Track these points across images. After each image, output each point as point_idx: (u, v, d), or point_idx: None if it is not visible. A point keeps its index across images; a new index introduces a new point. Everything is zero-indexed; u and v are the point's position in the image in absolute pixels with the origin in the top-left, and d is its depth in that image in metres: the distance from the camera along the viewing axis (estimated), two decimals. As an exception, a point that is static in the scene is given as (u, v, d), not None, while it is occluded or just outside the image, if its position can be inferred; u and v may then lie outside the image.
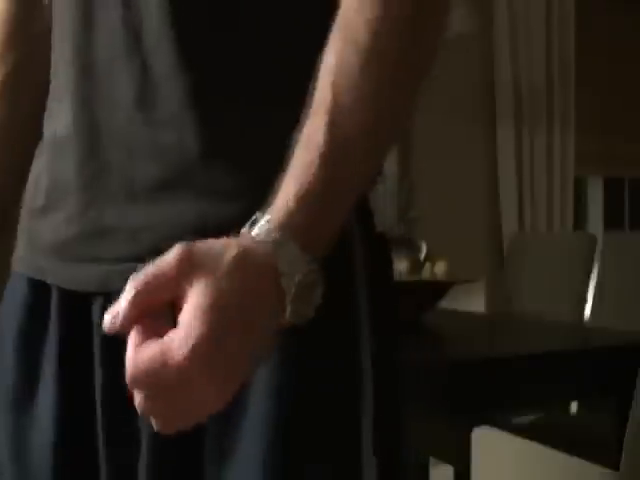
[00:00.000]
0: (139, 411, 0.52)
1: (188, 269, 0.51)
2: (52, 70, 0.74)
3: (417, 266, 1.93)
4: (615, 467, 1.60)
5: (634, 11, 3.87)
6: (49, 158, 0.73)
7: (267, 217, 0.55)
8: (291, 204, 0.55)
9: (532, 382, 1.54)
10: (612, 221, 4.12)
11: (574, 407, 2.43)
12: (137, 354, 0.50)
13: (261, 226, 0.54)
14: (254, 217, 0.55)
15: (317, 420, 0.64)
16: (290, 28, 0.66)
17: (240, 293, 0.51)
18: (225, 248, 0.52)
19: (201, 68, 0.64)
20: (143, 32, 0.65)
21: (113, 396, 0.66)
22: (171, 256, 0.51)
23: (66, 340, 0.69)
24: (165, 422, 0.52)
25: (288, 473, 0.62)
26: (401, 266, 1.89)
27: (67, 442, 0.69)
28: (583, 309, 2.46)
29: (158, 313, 0.52)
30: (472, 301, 3.00)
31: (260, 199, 0.58)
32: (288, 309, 0.53)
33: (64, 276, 0.69)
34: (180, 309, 0.52)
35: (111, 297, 0.65)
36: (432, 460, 2.28)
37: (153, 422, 0.53)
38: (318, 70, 0.59)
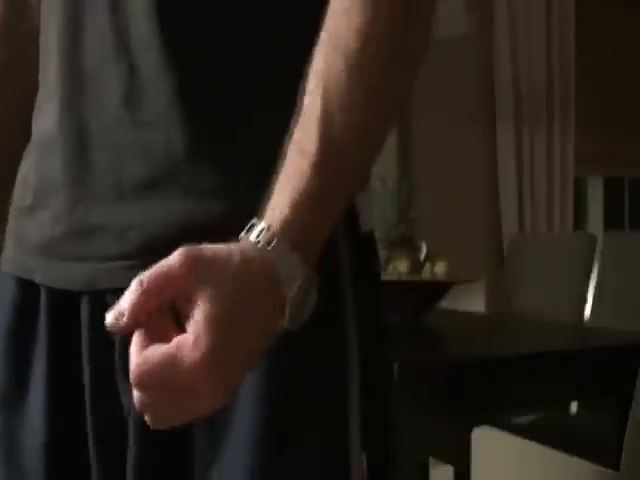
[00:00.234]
0: (136, 406, 0.53)
1: (196, 272, 0.52)
2: (40, 71, 0.75)
3: (417, 266, 1.92)
4: (615, 467, 1.60)
5: (634, 11, 3.87)
6: (37, 158, 0.73)
7: (264, 225, 0.55)
8: (287, 213, 0.56)
9: (532, 382, 1.54)
10: (612, 221, 4.12)
11: (574, 407, 2.43)
12: (143, 355, 0.51)
13: (259, 233, 0.55)
14: (251, 223, 0.56)
15: (305, 420, 0.64)
16: (277, 30, 0.67)
17: (246, 301, 0.53)
18: (230, 253, 0.53)
19: (188, 69, 0.65)
20: (131, 36, 0.65)
21: (101, 395, 0.67)
22: (176, 257, 0.52)
23: (55, 339, 0.70)
24: (159, 420, 0.53)
25: (276, 473, 0.62)
26: (401, 266, 1.89)
27: (58, 442, 0.69)
28: (583, 309, 2.46)
29: (161, 313, 0.53)
30: (472, 301, 3.00)
31: (247, 198, 0.59)
32: (287, 315, 0.55)
33: (52, 275, 0.70)
34: (180, 310, 0.53)
35: (99, 296, 0.66)
36: (432, 460, 2.27)
37: (147, 417, 0.53)
38: (307, 73, 0.60)
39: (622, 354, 1.67)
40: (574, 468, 1.78)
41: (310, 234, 0.57)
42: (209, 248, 0.53)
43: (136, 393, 0.52)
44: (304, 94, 0.59)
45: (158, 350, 0.51)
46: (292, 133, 0.59)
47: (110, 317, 0.52)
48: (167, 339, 0.52)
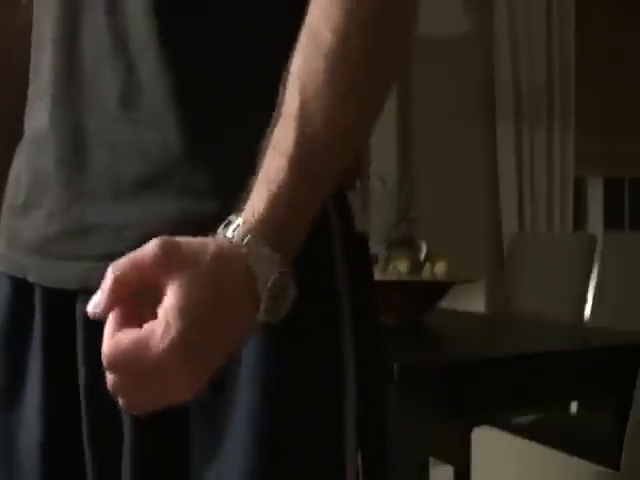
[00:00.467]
0: (109, 388, 0.54)
1: (167, 261, 0.53)
2: (33, 69, 0.74)
3: (417, 266, 1.92)
4: (615, 467, 1.60)
5: (634, 11, 3.87)
6: (31, 156, 0.73)
7: (240, 220, 0.56)
8: (262, 209, 0.56)
9: (532, 382, 1.54)
10: (612, 221, 4.12)
11: (574, 407, 2.42)
12: (115, 338, 0.52)
13: (234, 228, 0.56)
14: (228, 219, 0.57)
15: (301, 419, 0.64)
16: (273, 32, 0.67)
17: (217, 292, 0.53)
18: (203, 247, 0.54)
19: (185, 70, 0.65)
20: (128, 37, 0.66)
21: (97, 394, 0.67)
22: (150, 247, 0.53)
23: (50, 338, 0.70)
24: (132, 404, 0.55)
25: (272, 473, 0.63)
26: (401, 266, 1.89)
27: (54, 441, 0.69)
28: (583, 309, 2.46)
29: (141, 298, 0.54)
30: (472, 301, 3.00)
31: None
32: (261, 308, 0.55)
33: (46, 274, 0.70)
34: (161, 296, 0.54)
35: (93, 295, 0.66)
36: (432, 460, 2.27)
37: (120, 401, 0.55)
38: (287, 72, 0.60)
39: (622, 354, 1.67)
40: (574, 468, 1.78)
41: (286, 230, 0.57)
42: (183, 239, 0.55)
43: (109, 376, 0.54)
44: (283, 92, 0.60)
45: (129, 335, 0.52)
46: (271, 131, 0.59)
47: (89, 306, 0.54)
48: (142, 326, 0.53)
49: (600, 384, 1.67)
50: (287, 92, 0.60)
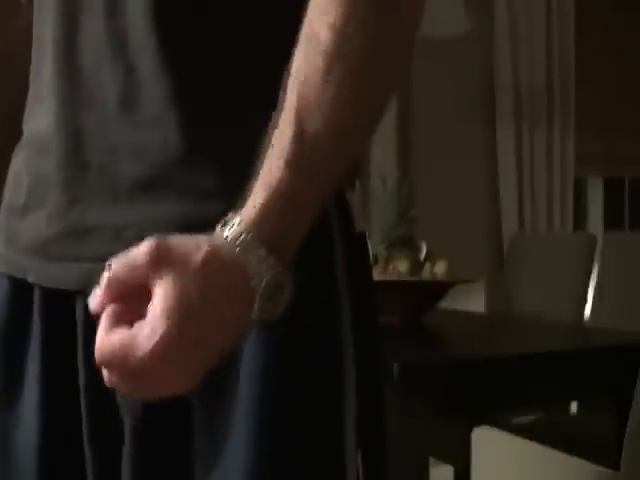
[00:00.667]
0: (105, 382, 0.56)
1: (157, 261, 0.53)
2: (33, 70, 0.74)
3: (417, 266, 1.92)
4: (615, 467, 1.60)
5: (634, 11, 3.87)
6: (30, 157, 0.73)
7: (237, 220, 0.56)
8: (258, 209, 0.57)
9: (532, 382, 1.54)
10: (612, 221, 4.12)
11: (574, 407, 2.42)
12: (106, 337, 0.54)
13: (231, 228, 0.56)
14: (226, 218, 0.57)
15: (301, 419, 0.64)
16: (273, 30, 0.67)
17: (206, 291, 0.54)
18: (196, 246, 0.55)
19: (185, 70, 0.65)
20: (128, 37, 0.66)
21: (97, 395, 0.67)
22: (142, 246, 0.54)
23: (49, 339, 0.70)
24: (129, 393, 0.56)
25: (272, 473, 0.63)
26: (401, 266, 1.89)
27: (52, 441, 0.69)
28: (583, 309, 2.46)
29: (136, 297, 0.54)
30: (472, 301, 3.00)
31: (242, 199, 0.59)
32: (255, 307, 0.56)
33: (46, 275, 0.70)
34: (152, 296, 0.54)
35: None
36: (432, 460, 2.27)
37: (119, 390, 0.56)
38: (288, 71, 0.60)
39: (622, 354, 1.67)
40: (574, 468, 1.78)
41: (283, 230, 0.57)
42: (176, 239, 0.55)
43: (103, 370, 0.55)
44: (284, 91, 0.60)
45: (118, 334, 0.53)
46: (271, 130, 0.59)
47: (91, 305, 0.56)
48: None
49: (600, 384, 1.67)
50: (287, 90, 0.60)
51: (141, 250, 0.54)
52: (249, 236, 0.56)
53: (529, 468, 1.91)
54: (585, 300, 2.46)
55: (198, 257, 0.54)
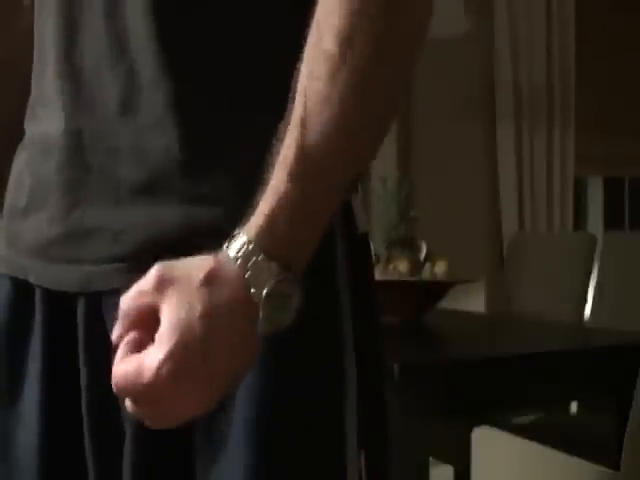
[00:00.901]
0: (128, 413, 0.56)
1: (162, 284, 0.54)
2: (35, 71, 0.74)
3: (417, 266, 1.92)
4: (615, 467, 1.60)
5: (634, 11, 3.87)
6: (31, 158, 0.73)
7: (241, 234, 0.56)
8: (262, 221, 0.56)
9: (532, 382, 1.54)
10: (612, 221, 4.12)
11: (574, 407, 2.43)
12: (118, 366, 0.54)
13: (235, 242, 0.56)
14: (234, 233, 0.57)
15: (302, 420, 0.64)
16: (274, 35, 0.66)
17: (209, 306, 0.54)
18: (199, 264, 0.55)
19: (185, 74, 0.65)
20: (129, 39, 0.65)
21: (98, 396, 0.67)
22: (149, 275, 0.55)
23: (50, 339, 0.70)
24: (151, 422, 0.56)
25: (273, 472, 0.63)
26: (401, 266, 1.89)
27: (53, 442, 0.69)
28: (583, 309, 2.46)
29: (152, 323, 0.55)
30: (472, 301, 3.00)
31: (242, 203, 0.58)
32: (261, 317, 0.55)
33: (47, 277, 0.70)
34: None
35: (94, 297, 0.66)
36: (432, 460, 2.27)
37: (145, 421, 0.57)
38: (296, 79, 0.59)
39: (622, 354, 1.67)
40: (574, 468, 1.78)
41: (290, 241, 0.57)
42: (182, 261, 0.56)
43: (125, 400, 0.56)
44: (293, 97, 0.59)
45: (130, 361, 0.54)
46: (280, 139, 0.58)
47: (112, 338, 0.57)
48: None
49: (600, 384, 1.67)
50: (295, 98, 0.59)
51: (147, 276, 0.55)
52: (250, 247, 0.56)
53: (529, 468, 1.91)
54: (585, 300, 2.46)
55: (201, 274, 0.54)
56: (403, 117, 3.29)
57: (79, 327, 0.68)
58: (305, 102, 0.58)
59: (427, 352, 1.62)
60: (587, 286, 2.46)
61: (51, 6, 0.70)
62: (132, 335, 0.55)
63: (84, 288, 0.67)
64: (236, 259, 0.55)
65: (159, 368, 0.52)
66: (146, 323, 0.55)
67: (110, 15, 0.66)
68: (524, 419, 2.24)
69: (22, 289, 0.72)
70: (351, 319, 0.68)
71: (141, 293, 0.55)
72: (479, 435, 2.01)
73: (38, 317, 0.70)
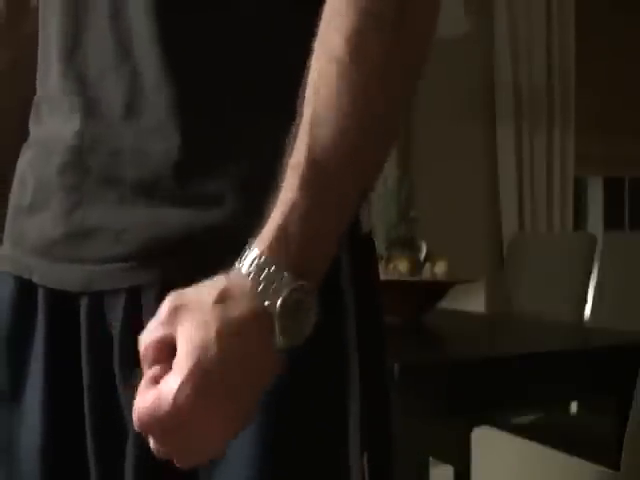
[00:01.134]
0: (155, 454, 0.55)
1: (175, 312, 0.54)
2: (40, 72, 0.74)
3: (417, 266, 1.92)
4: (615, 467, 1.60)
5: (634, 11, 3.87)
6: (36, 158, 0.73)
7: (254, 246, 0.55)
8: (273, 232, 0.55)
9: (532, 382, 1.54)
10: (612, 221, 4.12)
11: (574, 407, 2.43)
12: (144, 397, 0.53)
13: (246, 257, 0.55)
14: (246, 247, 0.56)
15: (305, 420, 0.64)
16: (277, 39, 0.66)
17: (223, 326, 0.53)
18: (211, 286, 0.54)
19: (188, 76, 0.65)
20: (132, 41, 0.65)
21: (100, 395, 0.67)
22: (163, 307, 0.54)
23: (53, 339, 0.70)
24: (181, 458, 0.55)
25: (276, 472, 0.62)
26: (401, 266, 1.89)
27: (55, 441, 0.69)
28: (583, 309, 2.46)
29: (171, 356, 0.54)
30: (472, 301, 3.00)
31: (244, 205, 0.58)
32: (277, 330, 0.54)
33: (50, 276, 0.70)
34: None
35: (97, 297, 0.66)
36: (432, 460, 2.27)
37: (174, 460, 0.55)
38: (305, 83, 0.58)
39: (622, 354, 1.67)
40: (574, 468, 1.78)
41: (304, 252, 0.56)
42: (191, 288, 0.55)
43: (150, 439, 0.55)
44: (302, 100, 0.58)
45: (149, 394, 0.53)
46: (291, 145, 0.57)
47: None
48: None
49: (600, 384, 1.67)
50: (304, 102, 0.58)
51: (161, 308, 0.54)
52: (262, 259, 0.54)
53: (529, 468, 1.91)
54: (585, 300, 2.46)
55: (213, 295, 0.53)
56: (403, 117, 3.29)
57: (82, 327, 0.68)
58: (315, 105, 0.57)
59: (427, 352, 1.62)
60: (587, 286, 2.47)
61: (55, 5, 0.70)
62: (152, 372, 0.54)
63: (86, 288, 0.67)
64: (248, 274, 0.54)
65: (178, 394, 0.51)
66: (165, 355, 0.54)
67: (114, 15, 0.66)
68: (524, 419, 2.24)
69: (25, 288, 0.72)
70: (355, 319, 0.68)
71: (157, 327, 0.54)
72: (479, 435, 2.01)
73: (41, 317, 0.70)
